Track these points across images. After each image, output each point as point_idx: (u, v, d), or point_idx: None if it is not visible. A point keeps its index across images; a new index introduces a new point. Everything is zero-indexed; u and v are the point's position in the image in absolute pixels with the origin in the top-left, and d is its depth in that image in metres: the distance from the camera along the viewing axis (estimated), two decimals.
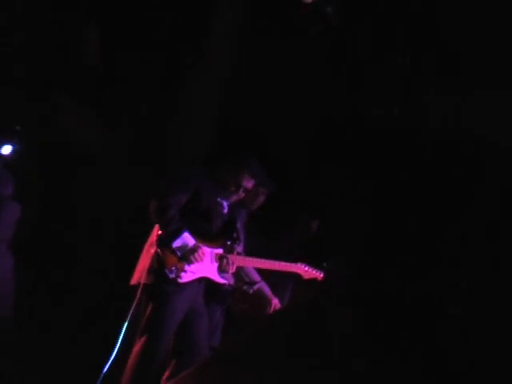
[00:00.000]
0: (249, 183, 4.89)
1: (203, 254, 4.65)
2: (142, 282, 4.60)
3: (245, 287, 5.12)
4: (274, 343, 3.21)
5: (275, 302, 5.16)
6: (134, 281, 4.71)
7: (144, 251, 4.76)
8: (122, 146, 5.94)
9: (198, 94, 6.12)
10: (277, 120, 5.94)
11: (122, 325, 4.58)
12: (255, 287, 5.15)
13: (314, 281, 4.97)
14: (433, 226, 2.89)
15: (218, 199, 4.85)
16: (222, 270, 4.77)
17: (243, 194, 4.90)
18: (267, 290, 5.18)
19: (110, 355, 4.54)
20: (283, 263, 4.98)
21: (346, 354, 2.89)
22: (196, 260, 4.60)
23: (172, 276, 4.58)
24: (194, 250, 4.61)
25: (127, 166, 5.89)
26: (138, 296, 4.60)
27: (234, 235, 4.85)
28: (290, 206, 5.88)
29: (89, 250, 5.82)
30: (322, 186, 5.90)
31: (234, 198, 4.89)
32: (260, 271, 5.15)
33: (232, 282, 4.89)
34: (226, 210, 4.89)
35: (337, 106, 5.71)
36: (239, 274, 5.01)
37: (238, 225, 4.96)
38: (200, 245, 4.65)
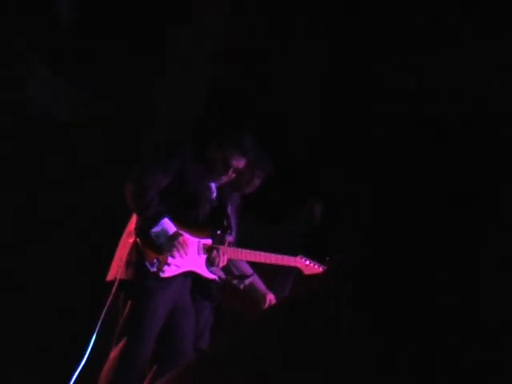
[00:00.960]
0: (239, 162, 4.47)
1: (186, 244, 4.24)
2: (119, 277, 4.20)
3: (235, 282, 4.64)
4: (267, 343, 3.01)
5: (270, 298, 4.72)
6: (110, 276, 4.31)
7: (121, 242, 4.36)
8: (99, 122, 5.57)
9: (185, 67, 5.79)
10: (276, 93, 5.57)
11: (95, 326, 4.20)
12: (246, 282, 4.67)
13: (316, 276, 4.53)
14: (444, 221, 2.71)
15: (206, 182, 4.45)
16: (210, 264, 4.37)
17: (234, 175, 4.49)
18: (260, 285, 4.74)
19: (80, 361, 4.18)
20: (280, 256, 4.56)
21: (346, 355, 2.72)
22: (177, 250, 4.20)
23: (153, 270, 4.18)
24: (174, 238, 4.20)
25: (103, 143, 5.53)
26: (113, 293, 4.21)
27: (225, 223, 4.46)
28: (292, 188, 5.47)
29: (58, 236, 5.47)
30: (329, 166, 5.51)
31: (224, 179, 4.49)
32: (255, 266, 4.71)
33: (223, 276, 4.48)
34: (214, 194, 4.50)
35: (345, 77, 5.38)
36: (228, 266, 4.56)
37: (229, 210, 4.54)
38: (183, 233, 4.24)
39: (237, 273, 4.66)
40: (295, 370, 2.85)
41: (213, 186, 4.48)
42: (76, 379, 4.13)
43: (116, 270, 4.25)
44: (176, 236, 4.20)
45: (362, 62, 5.30)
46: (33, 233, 5.50)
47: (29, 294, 5.37)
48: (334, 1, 5.45)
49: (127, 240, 4.28)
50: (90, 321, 4.32)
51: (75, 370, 4.13)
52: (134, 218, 4.31)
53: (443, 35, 4.97)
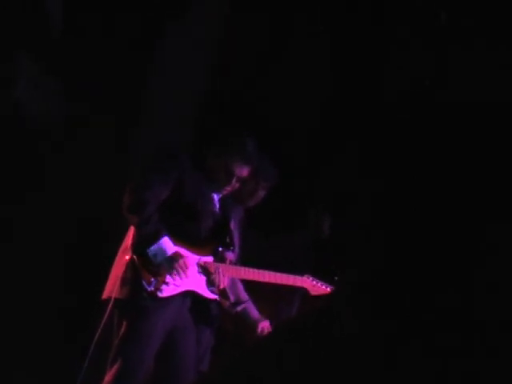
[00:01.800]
0: (243, 171, 4.19)
1: (187, 266, 4.03)
2: (114, 295, 4.03)
3: (227, 306, 4.45)
4: (265, 370, 2.76)
5: (262, 326, 4.47)
6: (105, 294, 4.13)
7: (117, 259, 4.18)
8: (86, 123, 5.41)
9: (179, 63, 5.56)
10: (278, 93, 5.40)
11: (89, 347, 4.04)
12: (239, 308, 4.48)
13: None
14: (464, 230, 2.56)
15: (208, 193, 4.21)
16: (211, 283, 4.16)
17: (237, 185, 4.23)
18: (254, 312, 4.51)
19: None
20: (286, 276, 4.32)
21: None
22: (177, 272, 4.00)
23: (150, 289, 4.00)
24: (173, 259, 4.01)
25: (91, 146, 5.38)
26: (108, 312, 4.03)
27: (227, 239, 4.24)
28: (298, 199, 5.28)
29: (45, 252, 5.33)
30: (336, 174, 5.33)
31: (227, 190, 4.23)
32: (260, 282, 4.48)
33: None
34: (217, 206, 4.26)
35: (352, 75, 5.22)
36: (224, 290, 4.35)
37: (232, 225, 4.33)
38: (182, 253, 4.05)
39: (232, 298, 4.45)
40: None
41: (215, 197, 4.25)
42: None
43: (111, 288, 4.08)
44: (175, 258, 4.00)
45: (363, 60, 5.11)
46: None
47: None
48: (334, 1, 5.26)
49: (123, 257, 4.10)
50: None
51: None
52: (130, 234, 4.13)
53: (442, 35, 4.78)
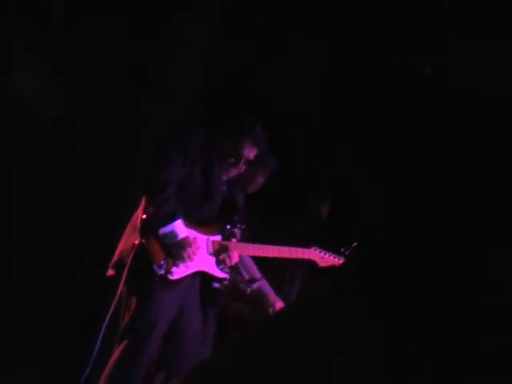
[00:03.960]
0: (251, 153, 4.30)
1: (194, 252, 4.13)
2: (124, 277, 4.08)
3: (242, 285, 4.55)
4: (269, 355, 2.81)
5: (278, 305, 4.63)
6: (111, 271, 4.23)
7: (125, 234, 4.26)
8: (86, 115, 5.51)
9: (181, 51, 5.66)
10: (279, 80, 5.48)
11: (100, 325, 4.09)
12: (254, 286, 4.58)
13: (330, 271, 4.44)
14: (469, 213, 2.61)
15: (217, 173, 4.30)
16: (220, 262, 4.25)
17: (244, 167, 4.34)
18: (269, 290, 4.66)
19: (89, 359, 4.07)
20: (294, 249, 4.41)
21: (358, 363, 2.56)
22: (187, 257, 4.09)
23: (161, 272, 4.07)
24: (183, 243, 4.09)
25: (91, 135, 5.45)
26: (119, 290, 4.10)
27: (235, 218, 4.32)
28: (297, 185, 5.37)
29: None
30: (335, 161, 5.45)
31: (234, 172, 4.34)
32: (261, 261, 4.63)
33: (230, 277, 4.38)
34: (225, 188, 4.37)
35: (354, 61, 5.34)
36: (238, 268, 4.46)
37: (240, 205, 4.42)
38: (192, 234, 4.14)
39: (247, 276, 4.56)
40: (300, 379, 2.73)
41: (223, 177, 4.35)
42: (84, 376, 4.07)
43: (120, 266, 4.14)
44: (184, 244, 4.09)
45: (364, 47, 5.23)
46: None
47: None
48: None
49: (132, 235, 4.16)
50: (86, 319, 4.32)
51: (85, 369, 4.06)
52: (139, 212, 4.20)
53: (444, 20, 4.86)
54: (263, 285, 4.62)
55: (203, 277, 4.24)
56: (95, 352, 4.07)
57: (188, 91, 5.61)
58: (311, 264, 4.49)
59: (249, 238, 4.50)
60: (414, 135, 4.69)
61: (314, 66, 5.39)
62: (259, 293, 4.59)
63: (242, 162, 4.28)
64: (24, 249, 5.36)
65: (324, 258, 4.41)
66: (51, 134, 5.52)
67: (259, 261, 4.64)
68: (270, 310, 4.55)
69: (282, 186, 5.13)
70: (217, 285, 4.28)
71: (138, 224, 4.13)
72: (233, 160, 4.26)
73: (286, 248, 4.37)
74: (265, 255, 4.38)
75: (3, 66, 5.40)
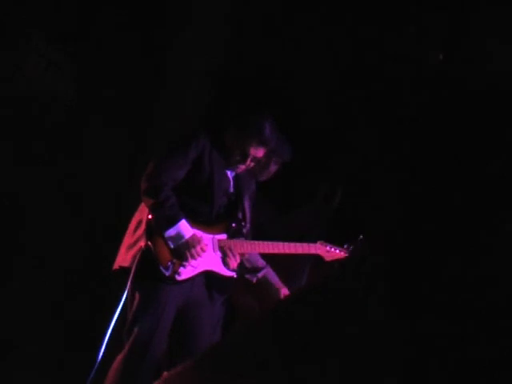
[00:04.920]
0: (258, 152, 4.33)
1: (203, 249, 4.18)
2: (131, 279, 4.12)
3: (247, 275, 4.61)
4: (276, 342, 2.83)
5: (285, 292, 4.68)
6: (116, 265, 4.28)
7: (130, 230, 4.32)
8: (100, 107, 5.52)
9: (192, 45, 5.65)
10: (293, 67, 5.46)
11: (111, 318, 4.16)
12: (259, 275, 4.63)
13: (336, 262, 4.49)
14: (485, 204, 2.56)
15: (223, 171, 4.35)
16: (226, 261, 4.29)
17: (252, 164, 4.39)
18: (275, 278, 4.70)
19: (98, 353, 4.14)
20: (300, 245, 4.45)
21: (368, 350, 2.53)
22: (195, 255, 4.13)
23: (168, 274, 4.12)
24: (191, 243, 4.12)
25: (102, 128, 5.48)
26: (126, 291, 4.14)
27: (239, 216, 4.37)
28: (309, 173, 5.40)
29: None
30: (348, 148, 5.43)
31: (241, 168, 4.40)
32: (268, 256, 4.64)
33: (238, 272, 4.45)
34: (231, 184, 4.41)
35: (368, 49, 5.27)
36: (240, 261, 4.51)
37: (245, 201, 4.46)
38: (198, 234, 4.18)
39: (248, 266, 4.60)
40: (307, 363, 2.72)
41: (229, 174, 4.40)
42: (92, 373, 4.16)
43: (123, 258, 4.20)
44: (192, 243, 4.12)
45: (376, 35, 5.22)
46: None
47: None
48: None
49: (137, 231, 4.20)
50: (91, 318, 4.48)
51: (95, 362, 4.14)
52: (143, 208, 4.25)
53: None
54: (268, 273, 4.65)
55: (209, 274, 4.25)
56: (102, 351, 4.11)
57: (197, 90, 5.63)
58: (318, 259, 4.54)
59: (262, 224, 4.59)
60: (427, 123, 4.65)
61: (330, 53, 5.38)
62: (265, 281, 4.61)
63: (249, 160, 4.32)
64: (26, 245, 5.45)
65: (330, 252, 4.46)
66: (64, 118, 5.56)
67: (264, 256, 4.66)
68: (277, 298, 4.57)
69: (294, 174, 5.15)
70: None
71: (144, 226, 4.17)
72: (239, 158, 4.29)
73: (292, 244, 4.40)
74: (271, 252, 4.41)
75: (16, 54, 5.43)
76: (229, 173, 4.37)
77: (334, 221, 5.06)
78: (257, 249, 4.38)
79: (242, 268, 4.52)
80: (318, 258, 4.55)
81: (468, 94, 4.27)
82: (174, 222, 4.08)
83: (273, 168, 4.67)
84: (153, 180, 4.11)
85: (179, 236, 4.08)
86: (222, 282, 4.32)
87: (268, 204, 4.93)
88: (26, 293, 5.32)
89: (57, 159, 5.45)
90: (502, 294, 2.36)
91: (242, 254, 4.33)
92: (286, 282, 4.73)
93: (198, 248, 4.10)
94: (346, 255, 4.43)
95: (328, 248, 4.45)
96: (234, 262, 4.25)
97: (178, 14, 5.59)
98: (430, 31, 4.90)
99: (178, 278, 4.11)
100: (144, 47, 5.54)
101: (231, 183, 4.37)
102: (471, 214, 2.52)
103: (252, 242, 4.37)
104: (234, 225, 4.30)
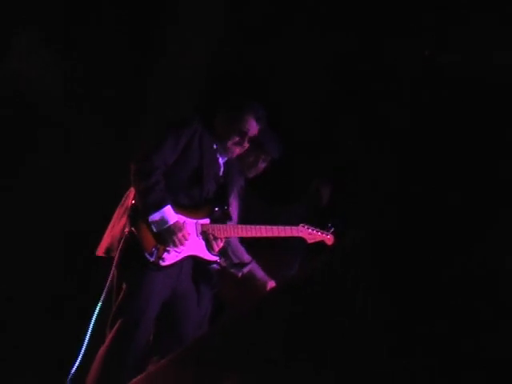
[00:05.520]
0: (254, 128, 4.37)
1: (185, 237, 4.18)
2: (115, 265, 4.15)
3: (233, 269, 4.65)
4: (262, 335, 2.86)
5: (271, 285, 4.70)
6: (100, 251, 4.33)
7: (115, 216, 4.36)
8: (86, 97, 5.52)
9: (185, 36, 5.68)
10: (282, 63, 5.47)
11: (95, 307, 4.17)
12: (245, 269, 4.68)
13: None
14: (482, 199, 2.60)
15: (215, 156, 4.37)
16: (210, 246, 4.29)
17: (247, 145, 4.41)
18: (260, 272, 4.74)
19: (81, 346, 4.16)
20: (281, 228, 4.48)
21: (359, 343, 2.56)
22: (177, 242, 4.14)
23: (153, 260, 4.13)
24: (174, 229, 4.13)
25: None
26: (110, 278, 4.16)
27: (223, 199, 4.40)
28: (298, 169, 5.40)
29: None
30: (337, 144, 5.43)
31: (237, 151, 4.40)
32: (259, 246, 4.68)
33: (222, 262, 4.43)
34: (221, 170, 4.43)
35: (358, 45, 5.29)
36: (227, 253, 4.58)
37: (232, 188, 4.52)
38: (182, 219, 4.19)
39: (235, 260, 4.65)
40: (298, 359, 2.74)
41: (220, 160, 4.41)
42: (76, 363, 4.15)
43: (108, 245, 4.23)
44: (175, 229, 4.12)
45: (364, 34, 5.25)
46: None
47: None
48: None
49: (120, 225, 4.22)
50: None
51: (77, 355, 4.13)
52: (130, 194, 4.27)
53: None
54: (254, 268, 4.69)
55: (194, 260, 4.26)
56: (86, 339, 4.11)
57: (191, 78, 5.63)
58: (309, 248, 4.58)
59: (251, 220, 4.54)
60: (418, 120, 4.65)
61: (318, 51, 5.39)
62: (250, 276, 4.65)
63: (247, 138, 4.34)
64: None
65: (312, 234, 4.53)
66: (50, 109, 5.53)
67: (255, 246, 4.69)
68: (263, 292, 4.58)
69: (284, 170, 5.16)
70: (215, 266, 4.33)
71: (128, 211, 4.18)
72: (237, 138, 4.32)
73: (275, 227, 4.43)
74: (254, 235, 4.43)
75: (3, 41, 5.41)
76: (220, 158, 4.39)
77: (323, 217, 5.07)
78: (239, 233, 4.40)
79: (228, 262, 4.55)
80: (309, 251, 4.63)
81: (468, 94, 4.29)
82: (159, 206, 4.08)
83: (261, 165, 4.76)
84: (144, 163, 4.13)
85: (163, 221, 4.09)
86: (207, 273, 4.31)
87: (257, 200, 4.92)
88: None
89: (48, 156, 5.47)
90: (492, 287, 2.39)
91: (225, 239, 4.32)
92: (278, 275, 4.76)
93: (180, 235, 4.11)
94: (328, 236, 4.50)
95: (310, 230, 4.51)
96: (216, 247, 4.26)
97: (172, 8, 5.61)
98: (427, 31, 4.92)
99: (162, 263, 4.11)
100: (137, 44, 5.54)
101: (221, 169, 4.39)
102: (470, 213, 2.54)
103: (235, 225, 4.42)
104: (216, 209, 4.31)
